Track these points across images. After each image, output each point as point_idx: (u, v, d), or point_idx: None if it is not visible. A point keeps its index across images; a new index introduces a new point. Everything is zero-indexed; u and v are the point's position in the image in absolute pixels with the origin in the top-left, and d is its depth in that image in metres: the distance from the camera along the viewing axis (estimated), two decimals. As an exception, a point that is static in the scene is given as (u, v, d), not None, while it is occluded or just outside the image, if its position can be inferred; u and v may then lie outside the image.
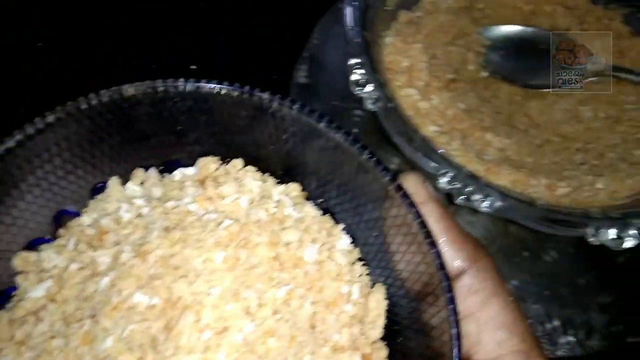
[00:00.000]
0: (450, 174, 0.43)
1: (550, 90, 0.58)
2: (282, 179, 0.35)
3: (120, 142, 0.33)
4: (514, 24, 0.62)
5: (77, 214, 0.33)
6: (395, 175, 0.30)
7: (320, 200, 0.36)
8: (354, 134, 0.31)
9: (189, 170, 0.35)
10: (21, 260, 0.31)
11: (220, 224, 0.31)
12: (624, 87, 0.58)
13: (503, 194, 0.43)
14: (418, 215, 0.29)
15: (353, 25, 0.47)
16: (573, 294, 0.56)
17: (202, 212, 0.32)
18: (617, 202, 0.49)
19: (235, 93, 0.31)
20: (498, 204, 0.42)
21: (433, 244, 0.29)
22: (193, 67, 0.69)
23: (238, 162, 0.35)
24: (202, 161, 0.35)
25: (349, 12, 0.48)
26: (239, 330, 0.28)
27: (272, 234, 0.31)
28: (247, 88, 0.31)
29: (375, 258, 0.34)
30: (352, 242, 0.34)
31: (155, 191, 0.34)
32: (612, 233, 0.42)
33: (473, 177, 0.43)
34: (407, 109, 0.51)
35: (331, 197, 0.35)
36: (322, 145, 0.32)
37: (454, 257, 0.32)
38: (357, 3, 0.49)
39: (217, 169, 0.35)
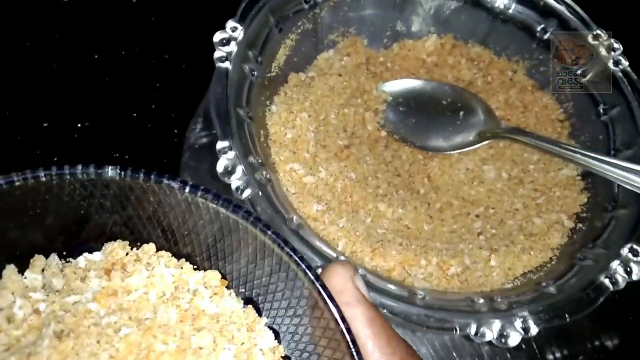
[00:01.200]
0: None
1: (451, 152, 0.56)
2: (202, 263, 0.32)
3: (16, 227, 0.30)
4: (417, 76, 0.60)
5: None
6: (318, 276, 0.28)
7: (242, 289, 0.33)
8: (274, 228, 0.28)
9: (95, 256, 0.31)
10: None
11: (119, 330, 0.28)
12: (528, 145, 0.56)
13: (379, 291, 0.40)
14: (343, 320, 0.27)
15: (221, 104, 0.44)
16: (478, 366, 0.54)
17: (103, 313, 0.29)
18: (508, 285, 0.46)
19: (140, 180, 0.28)
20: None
21: (358, 354, 0.26)
22: (86, 123, 0.64)
23: (150, 247, 0.31)
24: (109, 247, 0.31)
25: (216, 89, 0.44)
26: None
27: (181, 339, 0.28)
28: (154, 175, 0.28)
29: (302, 355, 0.31)
30: (276, 338, 0.31)
31: (56, 282, 0.30)
32: (495, 330, 0.40)
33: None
34: (291, 186, 0.48)
35: (254, 286, 0.32)
36: (241, 235, 0.29)
37: None
38: (229, 75, 0.46)
39: (127, 254, 0.31)
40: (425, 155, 0.57)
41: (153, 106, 0.65)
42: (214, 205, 0.28)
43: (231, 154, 0.42)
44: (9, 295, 0.29)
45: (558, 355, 0.56)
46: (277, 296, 0.31)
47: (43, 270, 0.31)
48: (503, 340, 0.39)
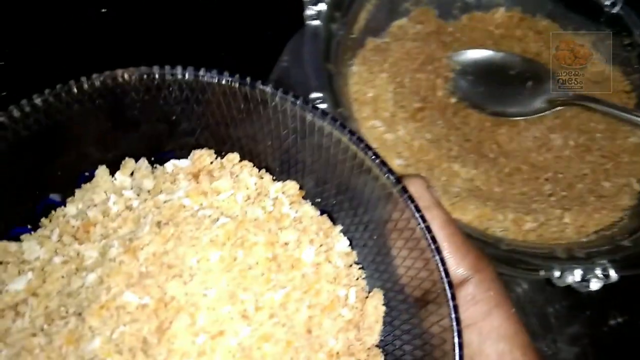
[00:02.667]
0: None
1: (520, 118, 0.57)
2: (279, 176, 0.34)
3: (110, 129, 0.31)
4: (485, 48, 0.62)
5: (62, 204, 0.31)
6: (399, 178, 0.28)
7: (318, 199, 0.33)
8: (358, 133, 0.29)
9: (182, 163, 0.33)
10: (0, 249, 0.29)
11: (215, 221, 0.30)
12: (594, 115, 0.57)
13: (467, 235, 0.42)
14: (422, 220, 0.27)
15: (314, 57, 0.46)
16: (543, 325, 0.55)
17: (196, 208, 0.30)
18: (583, 239, 0.48)
19: (236, 85, 0.29)
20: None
21: (437, 251, 0.27)
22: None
23: (234, 156, 0.33)
24: (197, 153, 0.32)
25: (309, 44, 0.46)
26: (235, 334, 0.27)
27: (269, 234, 0.30)
28: (248, 80, 0.29)
29: (373, 262, 0.32)
30: (349, 245, 0.33)
31: (146, 183, 0.32)
32: (577, 275, 0.41)
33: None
34: (373, 142, 0.50)
35: (329, 197, 0.33)
36: (323, 143, 0.30)
37: (457, 265, 0.31)
38: (319, 33, 0.48)
39: (212, 162, 0.32)
40: (494, 122, 0.58)
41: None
42: (302, 110, 0.29)
43: (323, 105, 0.44)
44: (102, 193, 0.31)
45: (620, 320, 0.57)
46: (352, 205, 0.32)
47: (132, 174, 0.32)
48: (586, 285, 0.41)
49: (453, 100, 0.59)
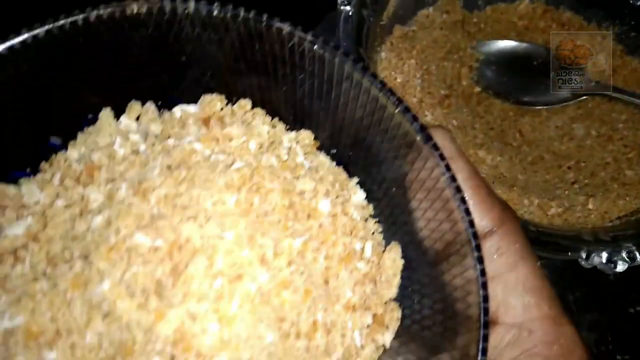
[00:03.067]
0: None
1: (543, 107, 0.58)
2: (292, 125, 0.32)
3: (116, 68, 0.28)
4: (508, 38, 0.62)
5: (63, 148, 0.29)
6: (423, 126, 0.27)
7: (333, 150, 0.32)
8: (381, 79, 0.27)
9: (191, 108, 0.31)
10: None
11: (229, 165, 0.28)
12: (616, 106, 0.58)
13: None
14: (447, 169, 0.26)
15: (347, 41, 0.47)
16: (562, 311, 0.56)
17: (208, 153, 0.29)
18: (608, 224, 0.49)
19: (252, 22, 0.27)
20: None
21: (462, 201, 0.25)
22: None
23: (246, 103, 0.31)
24: (207, 98, 0.30)
25: (342, 28, 0.47)
26: (253, 279, 0.26)
27: (285, 182, 0.29)
28: (265, 17, 0.27)
29: (390, 215, 0.31)
30: (365, 198, 0.31)
31: (154, 127, 0.30)
32: (604, 257, 0.42)
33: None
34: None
35: (345, 147, 0.31)
36: (342, 87, 0.28)
37: (481, 217, 0.29)
38: (351, 17, 0.49)
39: (222, 108, 0.31)
40: (516, 111, 0.59)
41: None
42: (322, 52, 0.27)
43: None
44: (106, 136, 0.29)
45: (639, 308, 0.58)
46: (369, 156, 0.31)
47: (138, 118, 0.30)
48: (612, 266, 0.42)
49: (477, 89, 0.60)
